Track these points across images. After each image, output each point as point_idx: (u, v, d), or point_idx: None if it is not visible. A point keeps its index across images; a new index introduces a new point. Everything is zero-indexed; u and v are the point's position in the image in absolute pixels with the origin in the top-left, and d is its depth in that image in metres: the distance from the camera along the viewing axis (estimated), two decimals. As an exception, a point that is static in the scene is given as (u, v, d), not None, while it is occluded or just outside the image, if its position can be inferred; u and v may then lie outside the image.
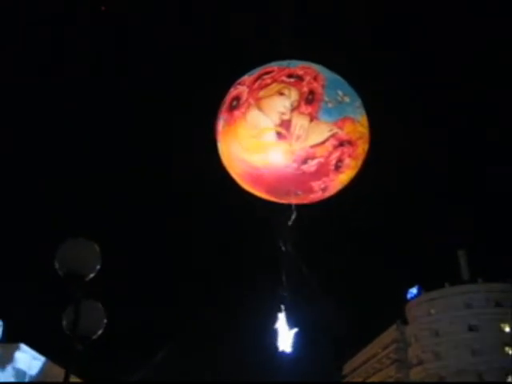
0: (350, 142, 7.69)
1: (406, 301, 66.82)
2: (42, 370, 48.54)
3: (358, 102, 8.05)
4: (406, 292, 66.70)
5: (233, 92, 8.24)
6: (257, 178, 8.15)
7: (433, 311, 61.83)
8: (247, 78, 8.11)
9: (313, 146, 7.43)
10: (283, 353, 8.96)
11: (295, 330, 9.04)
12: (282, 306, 9.03)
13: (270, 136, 7.41)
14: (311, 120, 7.36)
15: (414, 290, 65.98)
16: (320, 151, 7.48)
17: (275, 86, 7.56)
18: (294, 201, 8.38)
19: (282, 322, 8.95)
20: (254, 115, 7.50)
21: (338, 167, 7.72)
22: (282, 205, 8.63)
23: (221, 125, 8.24)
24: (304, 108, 7.33)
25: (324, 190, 8.08)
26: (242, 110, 7.65)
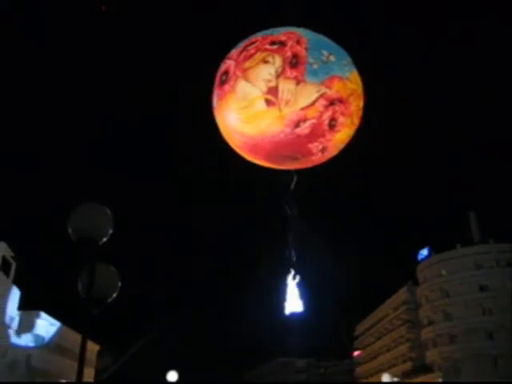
0: (340, 100, 7.72)
1: (416, 262, 67.20)
2: (60, 336, 49.78)
3: (346, 60, 8.04)
4: (416, 254, 67.03)
5: (222, 67, 8.46)
6: (254, 148, 8.30)
7: (444, 272, 62.15)
8: (234, 52, 8.26)
9: (303, 109, 7.48)
10: (292, 314, 9.12)
11: (298, 279, 9.18)
12: (291, 269, 9.15)
13: (260, 104, 7.48)
14: (298, 83, 7.35)
15: (424, 252, 66.21)
16: (311, 112, 7.54)
17: (259, 55, 7.64)
18: (295, 165, 8.48)
19: (290, 285, 9.09)
20: (242, 87, 7.61)
21: (332, 126, 7.77)
22: (285, 171, 8.73)
23: (215, 101, 8.45)
24: (289, 72, 7.38)
25: (323, 150, 8.13)
26: (231, 83, 7.76)
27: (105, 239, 6.03)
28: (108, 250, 6.41)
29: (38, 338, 47.60)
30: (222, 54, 8.35)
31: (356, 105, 7.91)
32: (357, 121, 8.03)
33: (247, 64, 7.66)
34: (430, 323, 63.10)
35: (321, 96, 7.38)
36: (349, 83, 7.69)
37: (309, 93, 7.35)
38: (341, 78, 7.59)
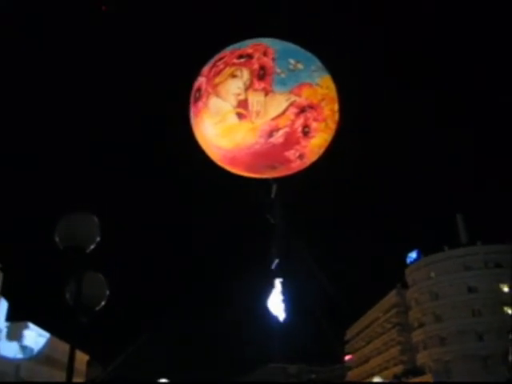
0: (312, 106, 7.82)
1: (405, 265, 67.47)
2: (49, 346, 49.24)
3: (315, 66, 8.13)
4: (405, 257, 67.29)
5: (195, 84, 8.56)
6: (233, 160, 8.49)
7: (432, 274, 62.46)
8: (205, 68, 8.43)
9: (274, 118, 7.63)
10: (280, 319, 9.15)
11: (280, 281, 9.26)
12: (276, 277, 9.21)
13: (232, 118, 7.62)
14: (266, 94, 7.50)
15: (413, 255, 66.52)
16: (282, 121, 7.67)
17: (228, 70, 7.78)
18: (276, 174, 8.60)
19: (275, 292, 9.14)
20: (213, 102, 7.77)
21: (306, 133, 7.87)
22: (266, 179, 8.84)
23: (191, 117, 8.59)
24: (257, 84, 7.50)
25: (301, 157, 8.23)
26: (204, 99, 7.93)
27: (92, 247, 6.00)
28: (96, 258, 6.37)
29: (26, 349, 47.06)
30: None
31: (329, 109, 7.95)
32: (332, 124, 8.07)
33: (217, 80, 7.81)
34: (420, 325, 63.33)
35: (291, 104, 7.47)
36: (319, 89, 7.78)
37: (278, 102, 7.44)
38: (310, 85, 7.68)
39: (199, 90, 8.11)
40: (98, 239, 6.05)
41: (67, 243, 5.84)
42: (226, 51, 8.10)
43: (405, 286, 68.84)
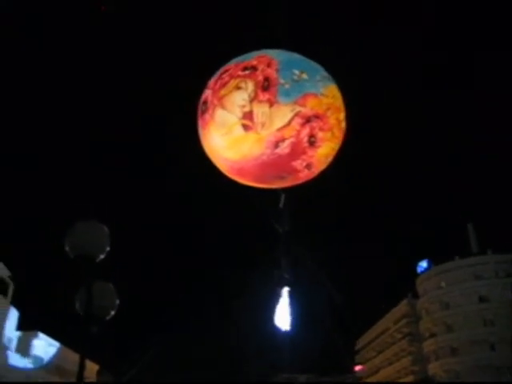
0: (317, 116, 7.87)
1: (416, 275, 67.02)
2: (59, 356, 49.32)
3: (320, 75, 8.19)
4: (416, 266, 66.87)
5: (202, 97, 8.66)
6: (241, 171, 8.59)
7: (443, 284, 61.99)
8: (211, 81, 8.46)
9: (279, 129, 7.70)
10: (286, 332, 9.14)
11: (288, 290, 9.26)
12: (283, 286, 9.21)
13: (238, 130, 7.71)
14: (271, 105, 7.58)
15: (423, 264, 66.09)
16: (288, 132, 7.73)
17: (233, 82, 7.87)
18: (285, 184, 8.67)
19: (283, 302, 9.14)
20: (219, 115, 7.87)
21: (312, 142, 7.94)
22: (276, 190, 8.90)
23: (199, 131, 8.69)
24: (262, 96, 7.59)
25: (309, 167, 8.27)
26: (210, 112, 8.04)
27: (102, 256, 6.05)
28: (105, 266, 6.41)
29: (36, 359, 47.15)
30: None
31: (335, 118, 7.97)
32: (339, 133, 8.09)
33: (222, 92, 7.90)
34: (432, 336, 62.77)
35: (296, 115, 7.53)
36: (324, 98, 7.81)
37: (283, 113, 7.50)
38: (315, 95, 7.72)
39: (205, 102, 8.22)
40: (108, 249, 6.10)
41: (77, 252, 5.90)
42: (231, 64, 8.20)
43: (416, 295, 68.37)
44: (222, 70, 8.37)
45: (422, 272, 65.92)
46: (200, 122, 8.37)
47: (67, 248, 5.97)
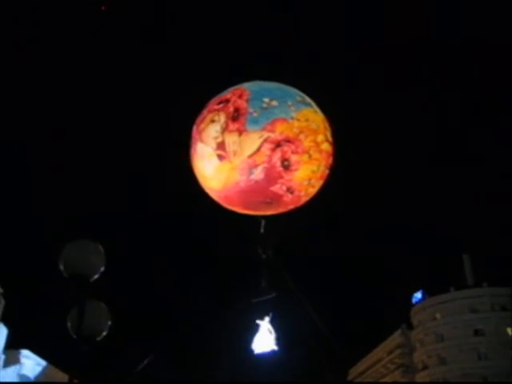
0: (288, 140, 8.11)
1: (410, 306, 66.63)
2: (46, 375, 48.57)
3: (292, 101, 8.44)
4: (410, 297, 66.55)
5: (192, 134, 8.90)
6: (227, 199, 8.68)
7: (438, 316, 61.61)
8: (197, 118, 8.78)
9: (250, 156, 8.01)
10: (276, 357, 9.07)
11: (268, 319, 9.21)
12: (264, 314, 9.20)
13: (214, 161, 8.05)
14: (240, 134, 7.82)
15: (418, 295, 65.78)
16: (259, 158, 8.03)
17: (209, 116, 8.29)
18: (273, 210, 8.87)
19: (264, 327, 9.10)
20: (200, 148, 8.30)
21: (286, 166, 8.15)
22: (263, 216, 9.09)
23: (191, 164, 8.85)
24: (231, 126, 7.88)
25: (290, 190, 8.44)
26: (194, 146, 8.48)
27: (96, 276, 6.00)
28: (98, 286, 6.35)
29: (23, 377, 46.39)
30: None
31: (311, 140, 8.07)
32: (318, 155, 8.16)
33: (202, 126, 8.35)
34: (425, 367, 62.12)
35: (265, 140, 7.72)
36: (295, 122, 7.96)
37: (252, 140, 7.74)
38: (284, 120, 7.90)
39: (191, 137, 8.67)
40: (103, 269, 6.05)
41: (72, 271, 5.84)
42: (212, 99, 8.61)
43: (410, 326, 67.88)
44: (205, 106, 8.67)
45: (417, 303, 65.57)
46: (191, 158, 8.73)
47: (61, 267, 5.93)
